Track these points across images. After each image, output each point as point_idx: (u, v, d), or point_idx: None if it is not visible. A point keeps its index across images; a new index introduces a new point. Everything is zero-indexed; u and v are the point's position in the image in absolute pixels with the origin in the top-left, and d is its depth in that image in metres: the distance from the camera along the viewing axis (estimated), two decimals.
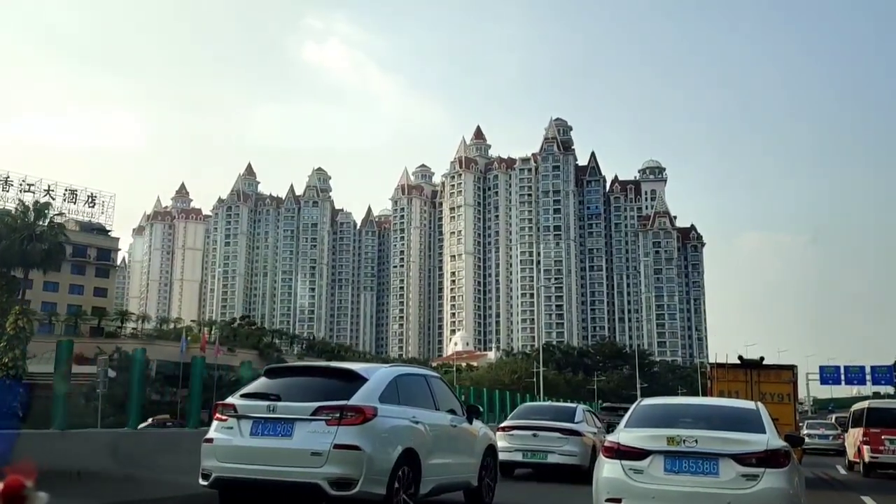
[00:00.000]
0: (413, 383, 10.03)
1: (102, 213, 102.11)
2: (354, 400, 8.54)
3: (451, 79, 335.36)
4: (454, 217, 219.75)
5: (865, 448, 22.76)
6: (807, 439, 29.56)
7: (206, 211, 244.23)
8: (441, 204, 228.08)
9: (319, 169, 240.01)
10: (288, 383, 9.22)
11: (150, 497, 10.60)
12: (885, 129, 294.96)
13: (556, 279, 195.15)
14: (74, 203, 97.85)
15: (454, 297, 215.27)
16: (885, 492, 17.95)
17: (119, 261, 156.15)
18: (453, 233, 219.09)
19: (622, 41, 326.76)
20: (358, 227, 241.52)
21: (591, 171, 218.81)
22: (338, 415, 8.33)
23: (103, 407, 33.38)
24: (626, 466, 8.30)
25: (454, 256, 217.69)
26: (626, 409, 11.20)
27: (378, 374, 9.30)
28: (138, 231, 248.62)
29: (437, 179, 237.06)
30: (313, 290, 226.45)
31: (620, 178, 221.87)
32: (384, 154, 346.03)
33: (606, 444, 8.80)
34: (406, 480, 8.77)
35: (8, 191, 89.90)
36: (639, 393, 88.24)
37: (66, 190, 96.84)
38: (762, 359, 21.99)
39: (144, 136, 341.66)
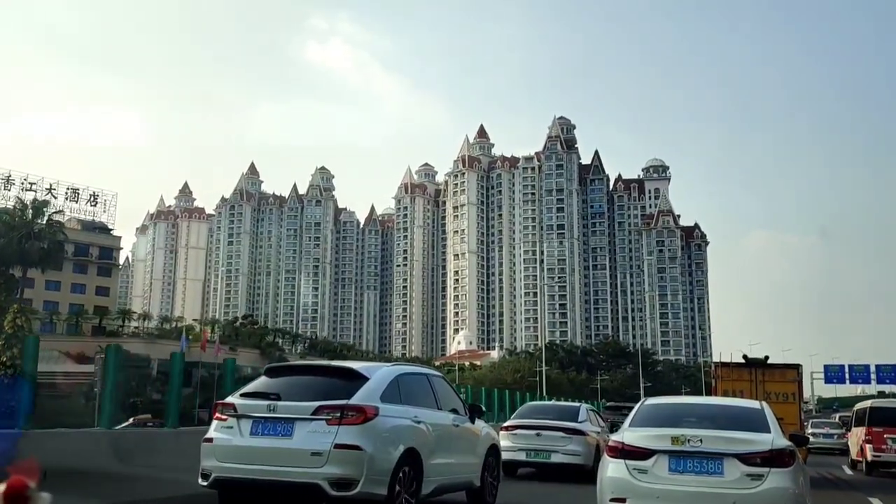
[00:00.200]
0: (415, 382, 9.93)
1: (104, 211, 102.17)
2: (355, 399, 8.45)
3: (454, 78, 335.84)
4: (457, 216, 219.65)
5: (868, 447, 23.02)
6: (811, 439, 29.46)
7: (210, 210, 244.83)
8: (444, 203, 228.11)
9: (322, 168, 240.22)
10: (288, 382, 9.13)
11: (151, 497, 10.52)
12: (891, 130, 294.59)
13: (559, 278, 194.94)
14: (76, 202, 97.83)
15: (457, 295, 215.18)
16: (893, 492, 17.84)
17: (122, 260, 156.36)
18: (456, 231, 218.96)
19: (625, 39, 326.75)
20: (361, 225, 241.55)
21: (595, 169, 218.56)
22: (338, 414, 8.24)
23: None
24: (630, 466, 8.26)
25: (457, 255, 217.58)
26: (629, 409, 11.11)
27: (379, 374, 9.20)
28: (142, 230, 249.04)
29: (440, 178, 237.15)
30: (316, 289, 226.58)
31: (624, 177, 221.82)
32: (387, 153, 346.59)
33: (611, 443, 8.74)
34: (407, 481, 8.67)
35: (10, 189, 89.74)
36: (642, 392, 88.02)
37: (68, 189, 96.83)
38: (767, 358, 21.84)
39: (148, 136, 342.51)
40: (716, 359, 27.48)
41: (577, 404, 21.56)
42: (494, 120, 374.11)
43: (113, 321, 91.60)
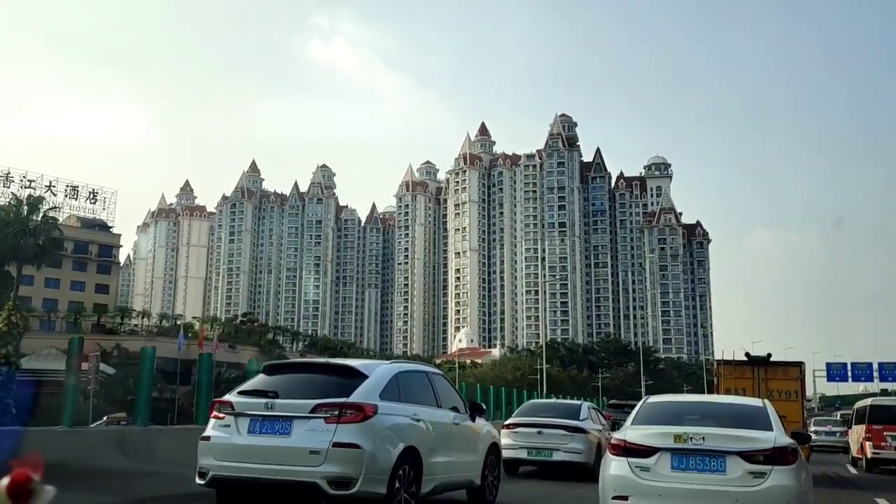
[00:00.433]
0: (414, 380, 9.85)
1: (104, 209, 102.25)
2: (354, 397, 8.38)
3: (455, 76, 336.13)
4: (459, 214, 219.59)
5: (868, 444, 23.49)
6: (814, 436, 29.55)
7: (211, 208, 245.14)
8: (446, 201, 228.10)
9: (324, 166, 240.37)
10: (286, 380, 9.08)
11: (149, 495, 10.45)
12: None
13: (560, 276, 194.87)
14: (76, 199, 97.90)
15: (458, 294, 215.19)
16: None
17: (124, 258, 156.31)
18: (458, 229, 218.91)
19: (626, 36, 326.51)
20: (362, 223, 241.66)
21: (597, 167, 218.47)
22: (337, 412, 8.16)
23: (103, 404, 33.24)
24: (632, 464, 8.26)
25: (459, 253, 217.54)
26: (632, 407, 11.09)
27: (378, 371, 9.12)
28: (143, 228, 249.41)
29: (441, 176, 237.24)
30: (318, 287, 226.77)
31: (626, 175, 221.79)
32: (389, 151, 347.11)
33: (613, 441, 8.74)
34: (407, 479, 8.60)
35: (9, 186, 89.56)
36: (643, 390, 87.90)
37: (67, 186, 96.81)
38: (769, 355, 21.78)
39: (149, 134, 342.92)
40: (718, 356, 27.55)
41: (578, 402, 21.57)
42: (496, 118, 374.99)
43: (112, 319, 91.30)
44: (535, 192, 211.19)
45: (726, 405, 10.10)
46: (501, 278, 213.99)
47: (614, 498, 8.26)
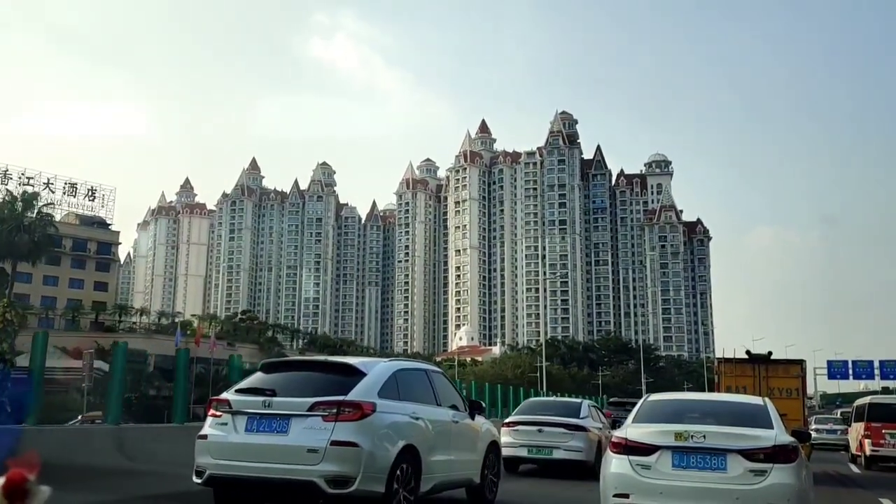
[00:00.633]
0: (413, 378, 9.79)
1: (103, 206, 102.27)
2: (352, 395, 8.31)
3: (456, 73, 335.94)
4: (459, 211, 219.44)
5: (867, 442, 23.73)
6: (815, 434, 29.62)
7: (211, 206, 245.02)
8: (446, 198, 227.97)
9: (324, 163, 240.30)
10: (284, 378, 9.02)
11: (147, 493, 10.40)
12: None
13: (561, 274, 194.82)
14: (74, 196, 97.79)
15: (459, 291, 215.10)
16: None
17: (124, 256, 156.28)
18: (458, 227, 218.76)
19: (627, 34, 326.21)
20: (362, 221, 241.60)
21: (597, 164, 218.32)
22: (335, 410, 8.10)
23: (98, 401, 33.13)
24: (633, 462, 8.28)
25: (459, 251, 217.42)
26: (633, 405, 11.06)
27: (377, 369, 9.06)
28: (143, 226, 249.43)
29: (441, 174, 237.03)
30: (318, 284, 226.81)
31: (626, 172, 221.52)
32: (389, 148, 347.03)
33: (614, 439, 8.76)
34: (406, 478, 8.54)
35: (7, 183, 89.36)
36: (644, 388, 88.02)
37: (65, 183, 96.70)
38: (770, 353, 21.73)
39: (149, 132, 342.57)
40: (718, 354, 27.57)
41: (578, 400, 21.55)
42: (496, 115, 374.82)
43: (110, 316, 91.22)
44: (535, 189, 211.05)
45: (727, 403, 10.12)
46: (502, 276, 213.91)
47: (615, 496, 8.26)
